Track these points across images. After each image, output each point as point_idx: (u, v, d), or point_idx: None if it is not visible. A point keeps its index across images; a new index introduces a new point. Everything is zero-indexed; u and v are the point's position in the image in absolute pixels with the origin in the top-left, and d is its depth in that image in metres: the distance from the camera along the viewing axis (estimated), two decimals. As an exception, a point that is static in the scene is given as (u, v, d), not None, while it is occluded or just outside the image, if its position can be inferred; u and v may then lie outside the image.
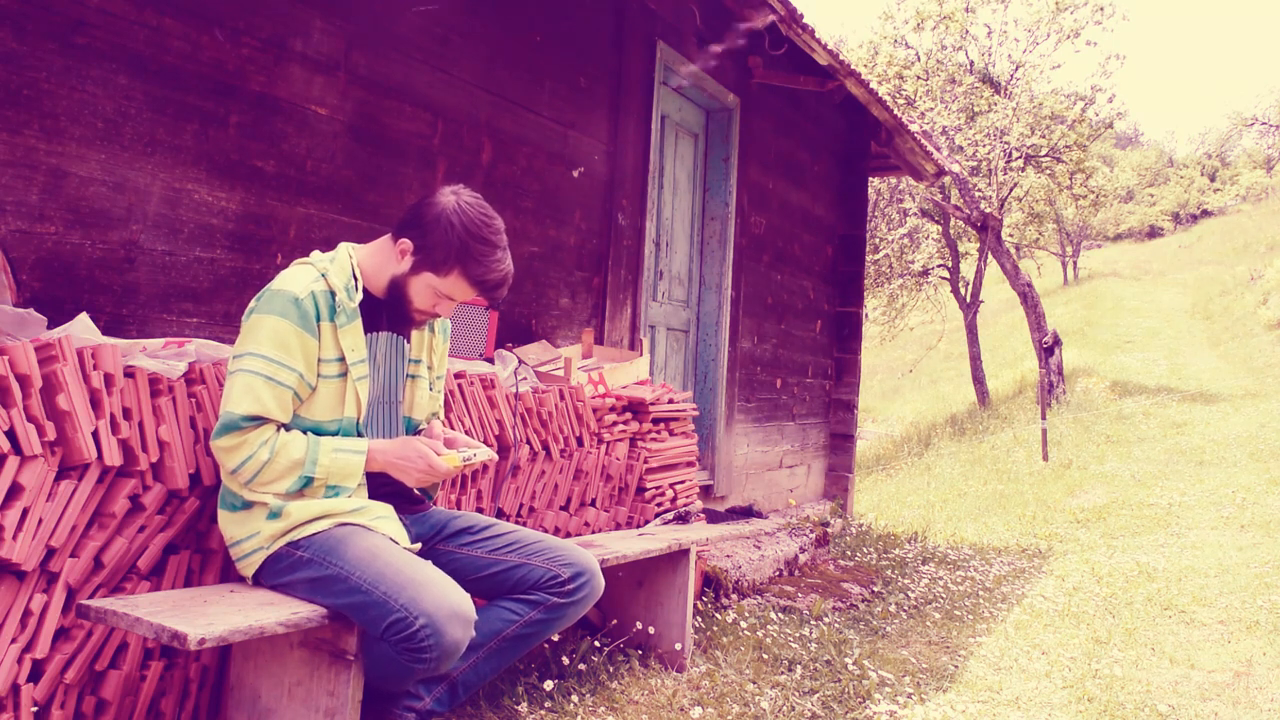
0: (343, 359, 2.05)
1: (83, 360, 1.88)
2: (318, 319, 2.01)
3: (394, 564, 1.89)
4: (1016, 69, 15.13)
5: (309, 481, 1.98)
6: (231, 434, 1.93)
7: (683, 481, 3.68)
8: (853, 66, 5.39)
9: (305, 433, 2.02)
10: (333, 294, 2.04)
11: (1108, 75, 21.68)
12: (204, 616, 1.72)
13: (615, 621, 3.10)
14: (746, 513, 4.86)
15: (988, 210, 13.86)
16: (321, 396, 2.04)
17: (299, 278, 2.02)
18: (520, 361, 3.31)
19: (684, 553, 3.04)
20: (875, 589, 4.72)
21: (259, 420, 1.94)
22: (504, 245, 2.13)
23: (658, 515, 3.43)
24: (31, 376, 1.78)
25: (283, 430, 2.00)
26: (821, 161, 6.58)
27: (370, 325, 2.16)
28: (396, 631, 1.83)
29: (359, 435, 2.10)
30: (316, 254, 2.12)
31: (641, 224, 4.49)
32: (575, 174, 4.03)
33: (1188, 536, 6.42)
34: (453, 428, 2.69)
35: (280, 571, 1.97)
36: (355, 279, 2.10)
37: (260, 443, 1.94)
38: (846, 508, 6.78)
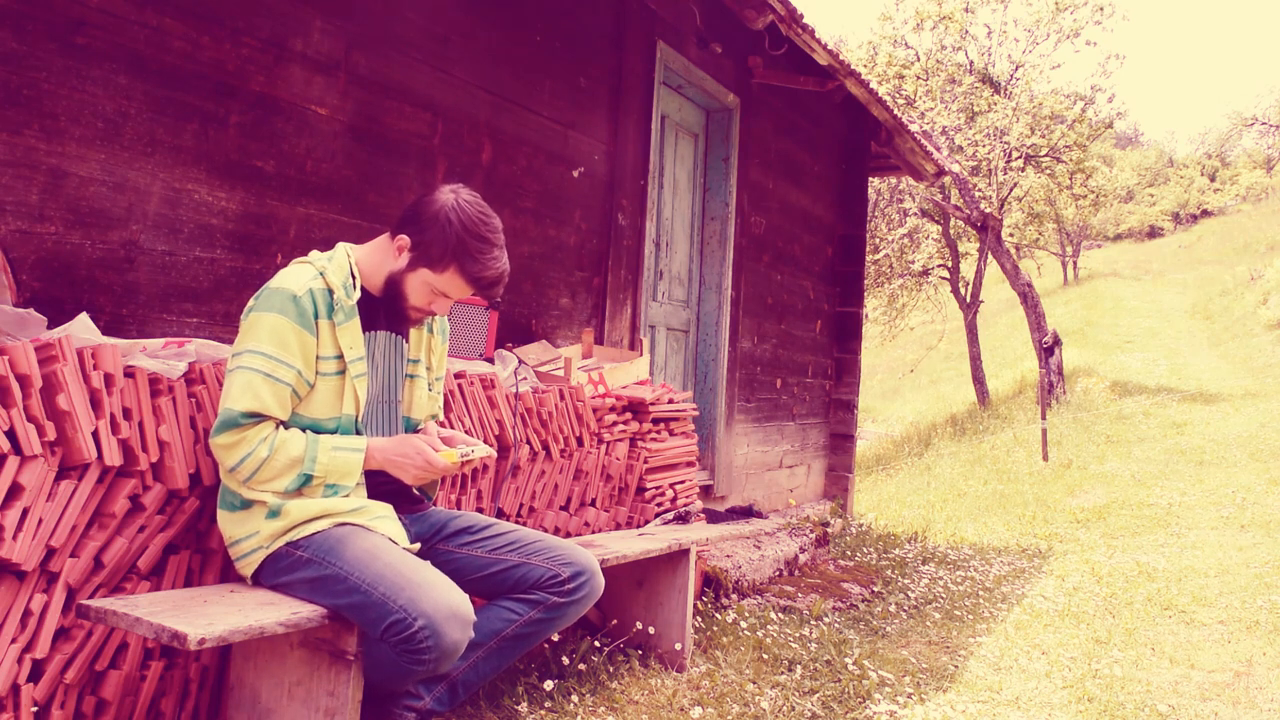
0: (341, 357, 2.05)
1: (83, 360, 1.88)
2: (315, 316, 2.01)
3: (393, 565, 1.89)
4: (1016, 69, 15.14)
5: (308, 479, 1.98)
6: (230, 431, 1.93)
7: (683, 481, 3.68)
8: (853, 66, 5.39)
9: (304, 430, 2.03)
10: (331, 292, 2.04)
11: (1107, 75, 21.73)
12: (204, 616, 1.72)
13: (615, 621, 3.10)
14: (746, 513, 4.86)
15: (988, 210, 13.86)
16: (320, 394, 2.04)
17: (297, 276, 2.03)
18: (520, 361, 3.31)
19: (684, 553, 3.04)
20: (875, 589, 4.72)
21: (258, 417, 1.94)
22: (501, 244, 2.13)
23: (658, 515, 3.43)
24: (31, 376, 1.78)
25: (281, 428, 2.00)
26: (821, 161, 6.58)
27: (369, 324, 2.16)
28: (395, 632, 1.82)
29: (357, 433, 2.11)
30: (315, 253, 2.12)
31: (641, 224, 4.49)
32: (575, 174, 4.03)
33: (1188, 536, 6.42)
34: (453, 427, 2.69)
35: (280, 571, 1.97)
36: (353, 277, 2.11)
37: (259, 440, 1.94)
38: (846, 508, 6.78)
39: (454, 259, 2.08)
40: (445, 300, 2.16)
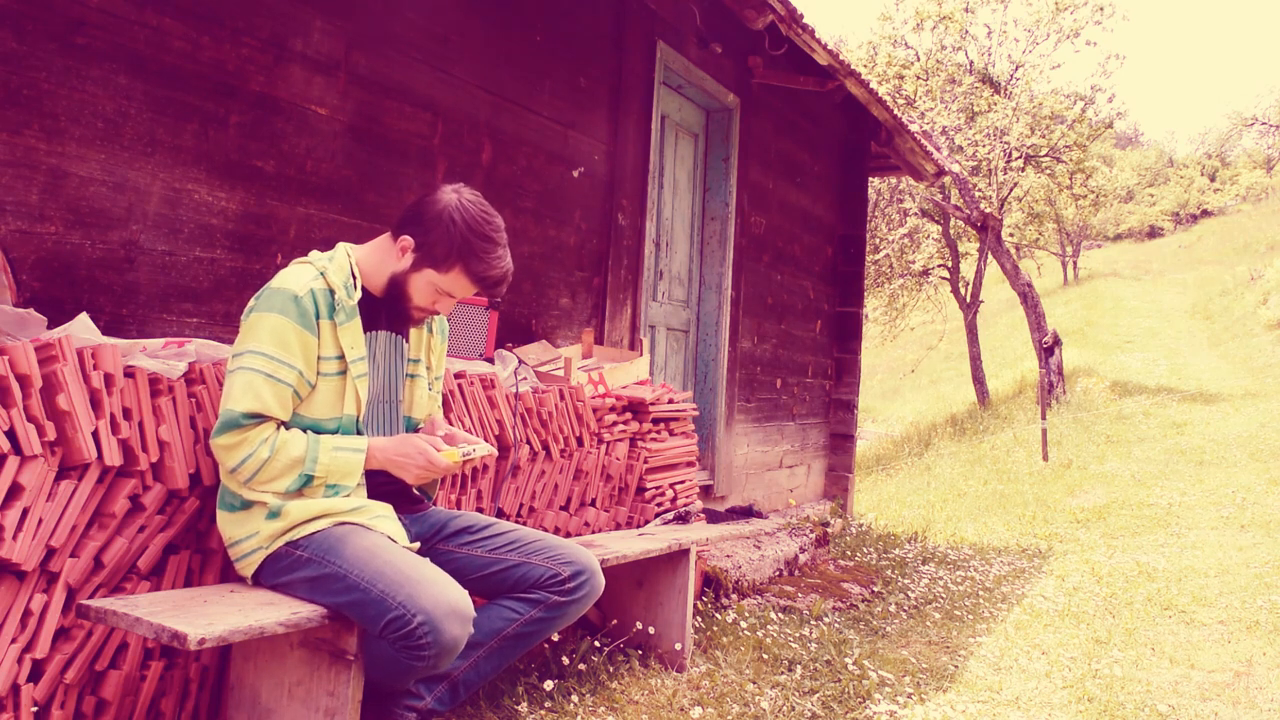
0: (342, 357, 2.05)
1: (83, 360, 1.88)
2: (317, 316, 2.01)
3: (392, 562, 1.89)
4: (1016, 69, 15.15)
5: (309, 480, 1.98)
6: (231, 432, 1.93)
7: (683, 481, 3.68)
8: (852, 66, 5.39)
9: (305, 431, 2.03)
10: (331, 292, 2.04)
11: (1107, 75, 21.75)
12: (204, 616, 1.72)
13: (615, 621, 3.10)
14: (746, 513, 4.86)
15: (988, 210, 13.86)
16: (321, 394, 2.04)
17: (298, 276, 2.03)
18: (520, 361, 3.31)
19: (684, 553, 3.04)
20: (875, 589, 4.72)
21: (259, 418, 1.94)
22: (504, 243, 2.14)
23: (658, 515, 3.43)
24: (31, 376, 1.78)
25: (283, 428, 2.00)
26: (821, 161, 6.58)
27: (369, 324, 2.16)
28: (394, 629, 1.83)
29: (358, 433, 2.11)
30: (315, 253, 2.12)
31: (641, 224, 4.49)
32: (575, 174, 4.03)
33: (1188, 536, 6.42)
34: (452, 427, 2.69)
35: (280, 571, 1.97)
36: (354, 277, 2.11)
37: (260, 441, 1.94)
38: (846, 508, 6.78)
39: (459, 259, 2.08)
40: (449, 300, 2.17)
